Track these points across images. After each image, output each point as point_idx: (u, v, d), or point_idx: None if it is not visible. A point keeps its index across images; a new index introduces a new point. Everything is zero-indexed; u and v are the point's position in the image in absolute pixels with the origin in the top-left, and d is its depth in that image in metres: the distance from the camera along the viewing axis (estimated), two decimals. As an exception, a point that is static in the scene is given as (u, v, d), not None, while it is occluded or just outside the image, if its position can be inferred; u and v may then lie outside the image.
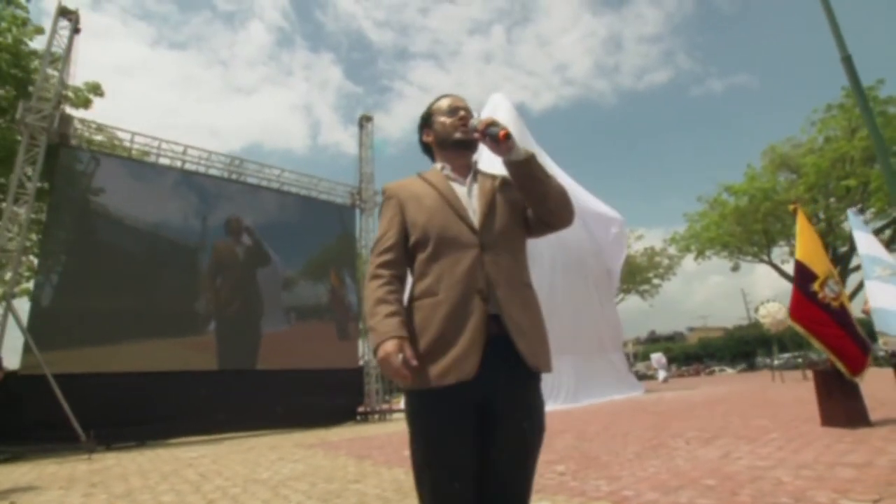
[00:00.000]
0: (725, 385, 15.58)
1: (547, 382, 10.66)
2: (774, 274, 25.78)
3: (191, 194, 10.68)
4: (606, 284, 14.28)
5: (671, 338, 64.68)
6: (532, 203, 1.23)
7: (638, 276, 32.50)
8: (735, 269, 27.24)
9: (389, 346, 1.05)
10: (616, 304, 16.01)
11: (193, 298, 10.07)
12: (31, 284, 11.04)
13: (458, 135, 1.30)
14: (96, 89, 12.74)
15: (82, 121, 10.55)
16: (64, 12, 9.92)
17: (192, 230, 10.43)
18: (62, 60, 9.70)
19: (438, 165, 1.35)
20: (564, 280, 12.14)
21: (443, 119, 1.33)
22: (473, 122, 1.25)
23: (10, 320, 7.68)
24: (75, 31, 10.02)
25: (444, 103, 1.36)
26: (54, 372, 7.11)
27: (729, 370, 37.80)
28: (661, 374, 23.43)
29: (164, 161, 10.61)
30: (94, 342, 8.46)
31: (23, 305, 9.20)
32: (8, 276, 8.37)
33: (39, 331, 7.86)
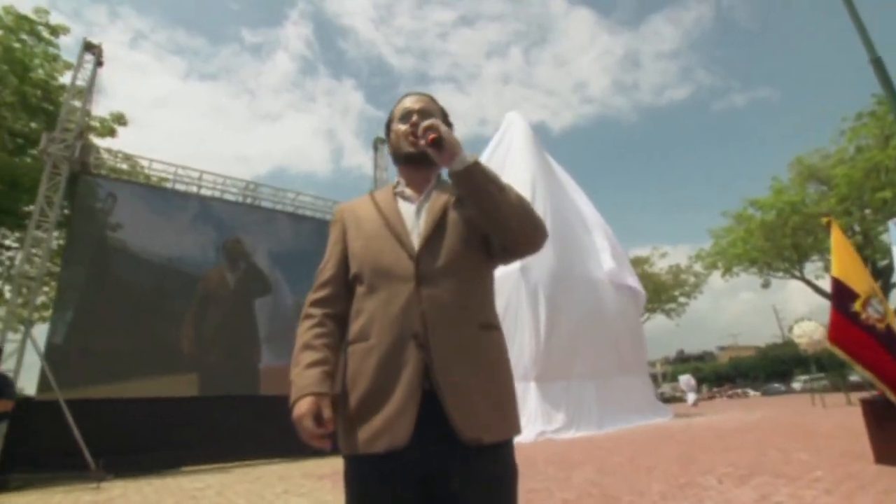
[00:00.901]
0: (760, 409, 14.72)
1: (567, 408, 10.26)
2: (808, 290, 24.66)
3: (206, 221, 10.78)
4: (629, 301, 13.76)
5: (701, 357, 62.43)
6: (483, 222, 1.00)
7: (663, 294, 31.59)
8: (766, 285, 26.15)
9: (303, 405, 0.87)
10: (642, 323, 15.41)
11: (200, 326, 10.03)
12: (50, 311, 11.29)
13: (406, 147, 1.08)
14: (120, 119, 13.20)
15: (107, 150, 10.89)
16: (88, 46, 10.33)
17: (205, 258, 10.47)
18: (86, 91, 10.05)
19: (395, 181, 1.16)
20: (582, 298, 11.72)
21: (395, 127, 1.13)
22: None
23: (29, 345, 7.78)
24: (99, 63, 10.40)
25: (400, 106, 1.15)
26: (67, 398, 7.10)
27: (752, 392, 35.67)
28: (691, 397, 22.40)
29: (180, 187, 10.80)
30: (108, 369, 8.47)
31: (41, 331, 9.36)
32: (28, 302, 8.52)
33: (55, 356, 7.91)
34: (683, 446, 6.40)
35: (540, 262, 10.81)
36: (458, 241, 1.00)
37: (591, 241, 13.71)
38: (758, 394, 34.53)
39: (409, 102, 1.14)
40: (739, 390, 37.78)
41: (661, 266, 32.69)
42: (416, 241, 1.00)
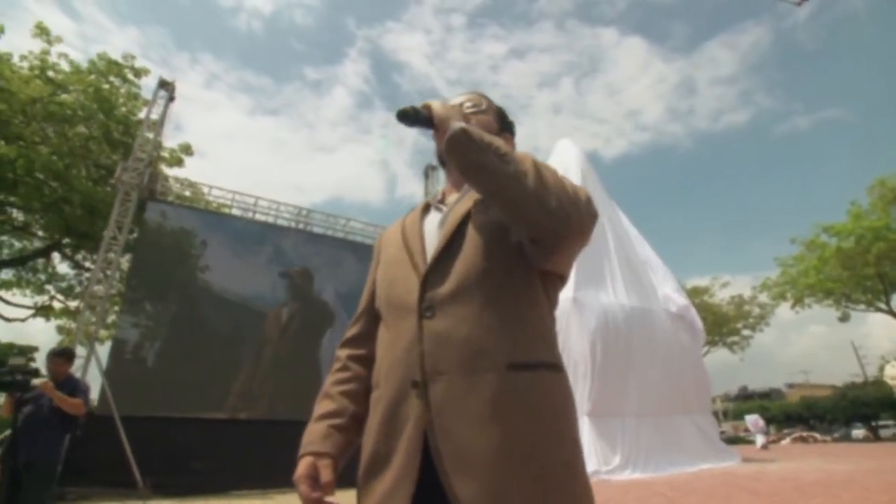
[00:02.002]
0: (845, 458, 13.09)
1: (623, 447, 9.56)
2: (894, 323, 22.28)
3: (279, 259, 11.05)
4: (689, 336, 12.86)
5: (766, 394, 57.64)
6: (497, 211, 0.79)
7: (725, 326, 29.54)
8: (844, 318, 23.93)
9: (300, 466, 0.75)
10: (703, 359, 14.35)
11: (256, 355, 10.13)
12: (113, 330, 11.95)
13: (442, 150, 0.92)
14: (187, 150, 14.14)
15: (174, 178, 11.65)
16: (163, 84, 11.18)
17: (274, 296, 10.65)
18: (158, 124, 10.83)
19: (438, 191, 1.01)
20: (637, 331, 11.06)
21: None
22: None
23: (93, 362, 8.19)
24: (171, 98, 11.21)
25: None
26: (122, 415, 7.36)
27: (818, 436, 31.61)
28: (760, 440, 20.52)
29: (236, 212, 11.29)
30: (163, 387, 8.74)
31: (104, 350, 9.86)
32: (98, 320, 9.04)
33: (115, 373, 8.26)
34: (761, 501, 5.69)
35: (593, 293, 10.40)
36: (478, 251, 0.79)
37: (647, 272, 13.08)
38: (826, 438, 30.75)
39: (459, 100, 1.00)
40: (804, 433, 33.72)
41: (721, 297, 30.71)
42: (429, 260, 0.81)
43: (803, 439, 30.89)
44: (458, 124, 0.76)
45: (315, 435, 0.80)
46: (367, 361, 0.89)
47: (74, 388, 3.60)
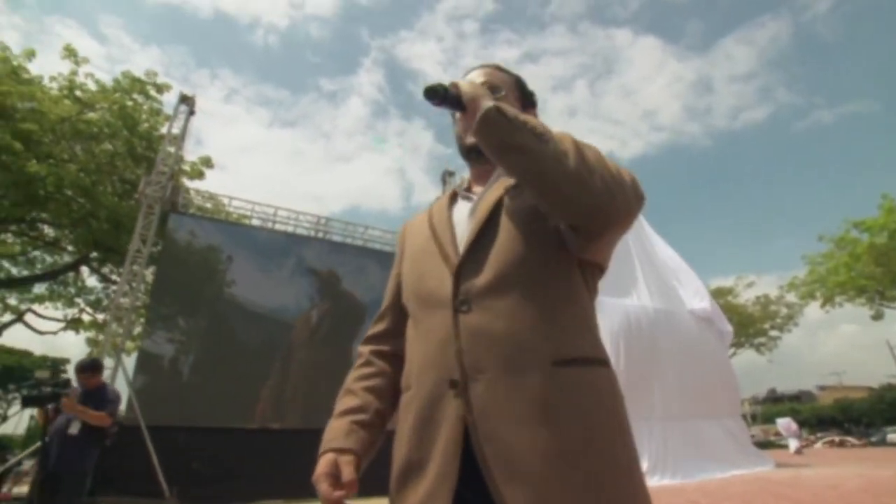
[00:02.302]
0: (887, 464, 12.51)
1: (650, 451, 9.33)
2: (933, 323, 21.36)
3: (287, 259, 11.12)
4: (716, 338, 12.53)
5: (797, 397, 55.70)
6: (531, 196, 0.73)
7: (751, 327, 28.76)
8: (877, 317, 22.97)
9: (320, 464, 0.70)
10: (731, 362, 13.95)
11: (284, 364, 10.16)
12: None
13: (467, 138, 0.86)
14: (207, 163, 14.41)
15: (195, 190, 11.89)
16: (184, 98, 11.45)
17: (298, 306, 10.69)
18: (179, 138, 11.07)
19: (460, 180, 0.97)
20: (663, 333, 10.82)
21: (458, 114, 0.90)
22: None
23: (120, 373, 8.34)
24: (191, 113, 11.47)
25: None
26: (149, 424, 7.46)
27: (851, 440, 29.97)
28: (793, 444, 19.79)
29: (256, 222, 11.45)
30: (189, 397, 8.85)
31: (131, 361, 10.05)
32: (124, 331, 9.23)
33: (141, 383, 8.40)
34: (800, 508, 5.45)
35: (616, 295, 10.23)
36: (514, 240, 0.74)
37: (669, 274, 12.83)
38: (858, 442, 29.23)
39: (472, 78, 0.91)
40: (836, 438, 32.26)
41: (746, 297, 29.92)
42: (461, 250, 0.76)
43: (839, 443, 29.70)
44: (489, 102, 0.71)
45: (337, 431, 0.75)
46: (392, 358, 0.85)
47: (101, 398, 3.61)
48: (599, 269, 0.81)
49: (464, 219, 0.82)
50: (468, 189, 0.91)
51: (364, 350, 0.88)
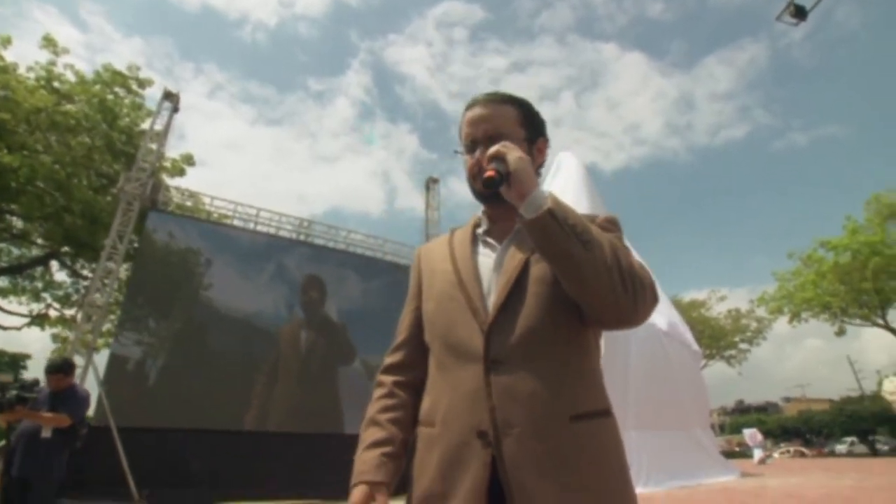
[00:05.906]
0: (846, 474, 12.99)
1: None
2: (889, 337, 22.40)
3: (284, 279, 11.00)
4: (687, 353, 12.87)
5: (763, 408, 57.43)
6: (567, 290, 0.78)
7: (722, 340, 29.56)
8: (840, 333, 23.93)
9: (355, 495, 0.76)
10: (701, 372, 14.34)
11: (258, 369, 9.98)
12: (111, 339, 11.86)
13: (476, 184, 0.90)
14: (189, 160, 14.19)
15: (175, 188, 11.67)
16: (168, 95, 11.26)
17: (277, 314, 10.57)
18: (162, 135, 10.88)
19: (477, 217, 0.97)
20: (639, 347, 11.07)
21: (465, 156, 0.94)
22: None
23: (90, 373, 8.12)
24: (175, 110, 11.29)
25: (464, 128, 0.94)
26: (119, 426, 7.28)
27: (806, 451, 31.13)
28: (757, 454, 20.43)
29: (238, 223, 11.28)
30: (161, 398, 8.66)
31: (102, 359, 9.78)
32: (95, 329, 8.99)
33: (112, 383, 8.19)
34: (763, 517, 5.65)
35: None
36: (540, 306, 0.80)
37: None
38: (810, 453, 30.35)
39: (472, 121, 0.92)
40: (791, 448, 33.49)
41: (719, 310, 30.79)
42: (491, 309, 0.82)
43: (801, 454, 30.80)
44: (541, 199, 0.74)
45: (368, 464, 0.80)
46: (411, 389, 0.91)
47: (72, 401, 3.47)
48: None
49: (488, 271, 0.86)
50: (487, 231, 0.93)
51: (386, 380, 0.92)
